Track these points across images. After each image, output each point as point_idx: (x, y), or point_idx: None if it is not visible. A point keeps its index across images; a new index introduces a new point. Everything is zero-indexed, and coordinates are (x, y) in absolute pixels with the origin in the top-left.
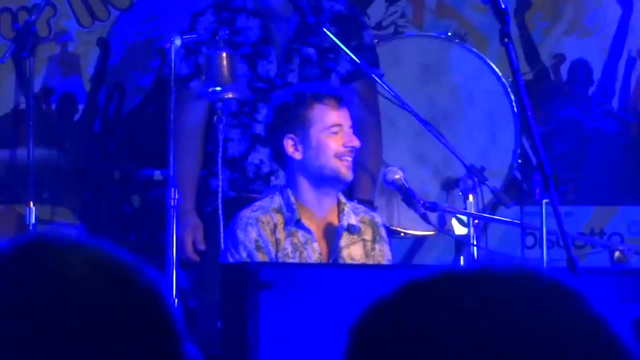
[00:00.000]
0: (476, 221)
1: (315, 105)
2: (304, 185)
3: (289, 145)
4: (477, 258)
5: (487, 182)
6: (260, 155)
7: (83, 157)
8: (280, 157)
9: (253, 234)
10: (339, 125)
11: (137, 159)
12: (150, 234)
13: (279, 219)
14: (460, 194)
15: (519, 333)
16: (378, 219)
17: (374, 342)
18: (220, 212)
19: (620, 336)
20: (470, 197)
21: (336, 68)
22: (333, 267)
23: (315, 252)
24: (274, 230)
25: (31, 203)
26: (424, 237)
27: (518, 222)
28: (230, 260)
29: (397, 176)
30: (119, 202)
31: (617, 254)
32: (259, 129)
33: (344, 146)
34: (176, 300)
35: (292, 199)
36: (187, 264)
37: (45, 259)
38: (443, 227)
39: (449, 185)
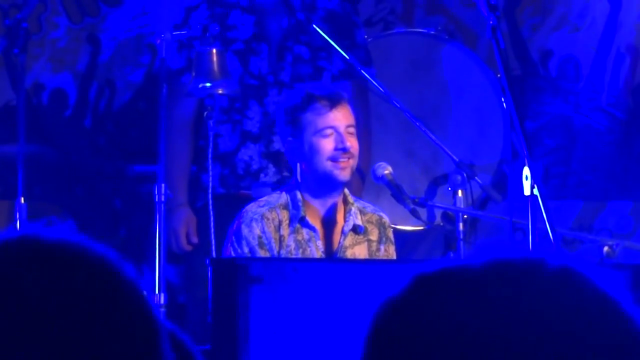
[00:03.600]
0: (465, 216)
1: (307, 109)
2: (306, 185)
3: (288, 148)
4: (466, 254)
5: (476, 178)
6: (250, 152)
7: (74, 152)
8: (287, 157)
9: (257, 230)
10: (332, 127)
11: (128, 154)
12: (141, 229)
13: (284, 215)
14: (449, 189)
15: (534, 322)
16: (386, 219)
17: (394, 341)
18: (210, 207)
19: (631, 315)
20: (460, 192)
21: (328, 67)
22: (322, 262)
23: (318, 250)
24: (278, 227)
25: (22, 199)
26: (413, 233)
27: (506, 218)
28: (232, 254)
29: (386, 171)
30: (109, 197)
31: (606, 249)
32: (250, 125)
33: (335, 149)
34: (163, 295)
35: (299, 196)
36: (177, 259)
37: (29, 255)
38: (432, 222)
39: (438, 181)
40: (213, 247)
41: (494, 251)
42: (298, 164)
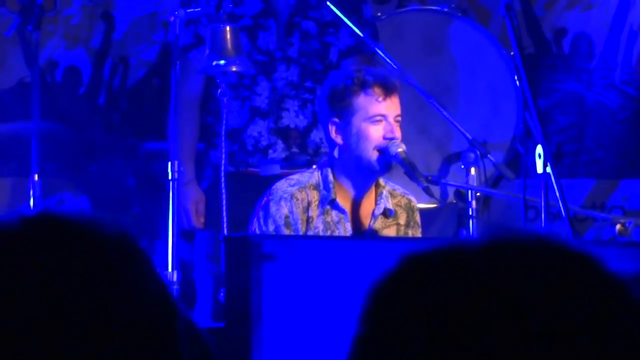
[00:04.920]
0: (478, 194)
1: (360, 93)
2: (342, 167)
3: (332, 129)
4: (478, 231)
5: (489, 156)
6: (258, 128)
7: (87, 129)
8: (326, 137)
9: (285, 210)
10: (382, 115)
11: (141, 131)
12: (154, 206)
13: (314, 195)
14: (462, 167)
15: (540, 301)
16: (414, 202)
17: (382, 321)
18: (222, 185)
19: (633, 292)
20: (473, 170)
21: (336, 42)
22: (335, 239)
23: (346, 233)
24: (307, 208)
25: (36, 176)
26: (426, 210)
27: (518, 195)
28: (257, 230)
29: (399, 149)
30: (122, 174)
31: (618, 227)
32: (258, 101)
33: (384, 138)
34: (176, 272)
35: (331, 177)
36: (188, 237)
37: (47, 232)
38: (445, 200)
39: (451, 159)
40: (224, 225)
41: (490, 232)
42: (337, 145)
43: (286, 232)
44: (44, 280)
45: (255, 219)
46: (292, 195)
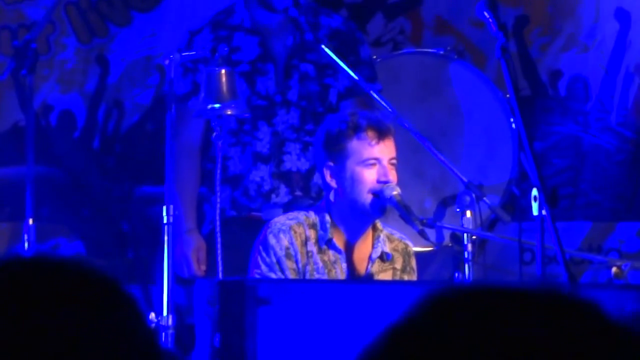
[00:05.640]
0: (474, 237)
1: (353, 137)
2: (338, 211)
3: (327, 173)
4: (474, 274)
5: (484, 199)
6: (260, 173)
7: (82, 174)
8: (322, 181)
9: (285, 242)
10: (376, 158)
11: (136, 176)
12: (149, 250)
13: (311, 234)
14: (457, 210)
15: (551, 351)
16: (411, 247)
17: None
18: (217, 230)
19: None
20: (468, 213)
21: (335, 84)
22: (330, 283)
23: (343, 273)
24: (305, 242)
25: (31, 220)
26: (422, 254)
27: (515, 239)
28: (260, 263)
29: (394, 192)
30: (117, 218)
31: (614, 269)
32: (260, 146)
33: (378, 181)
34: (171, 316)
35: (327, 218)
36: (186, 280)
37: (39, 274)
38: (441, 243)
39: (446, 202)
40: (220, 269)
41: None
42: (332, 189)
43: (288, 263)
44: (27, 322)
45: (257, 255)
46: (290, 228)
